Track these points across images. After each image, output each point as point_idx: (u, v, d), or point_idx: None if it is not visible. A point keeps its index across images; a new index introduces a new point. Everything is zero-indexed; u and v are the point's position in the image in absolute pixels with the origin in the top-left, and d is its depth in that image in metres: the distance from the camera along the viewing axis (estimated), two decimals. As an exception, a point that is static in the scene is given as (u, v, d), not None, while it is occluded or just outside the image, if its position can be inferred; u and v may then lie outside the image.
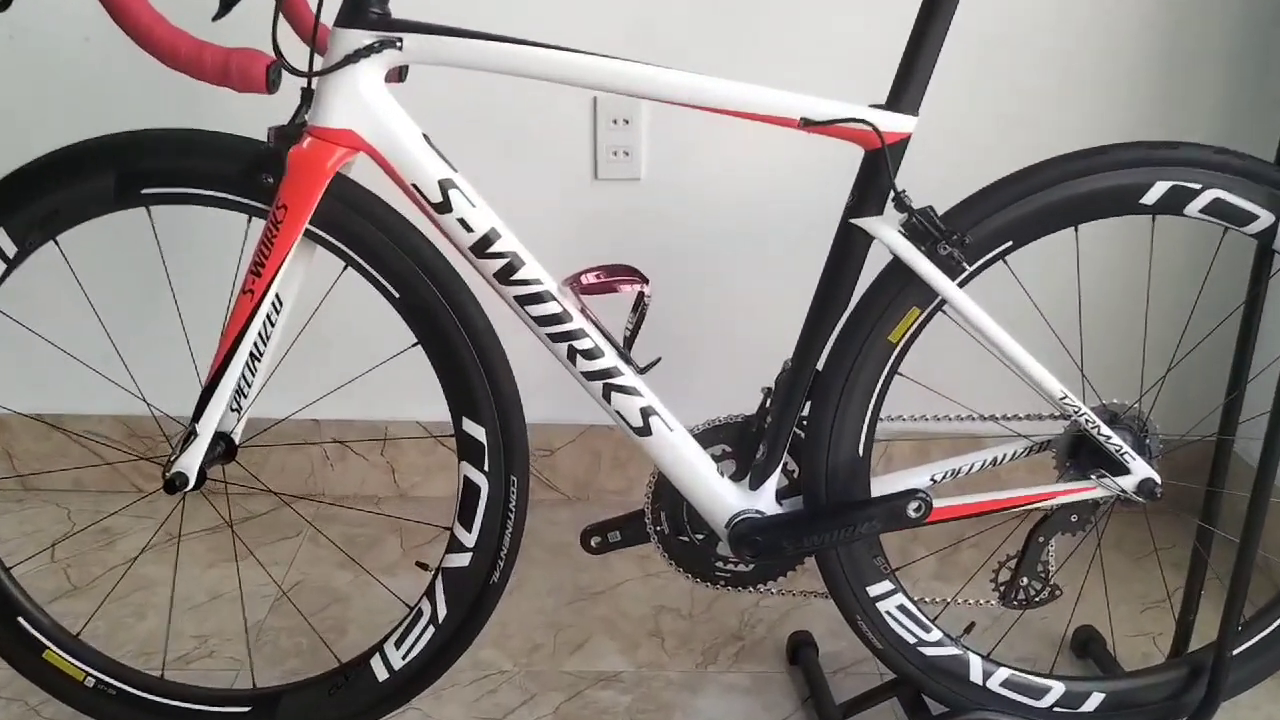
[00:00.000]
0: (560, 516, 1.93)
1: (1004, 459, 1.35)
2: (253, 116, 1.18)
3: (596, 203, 1.81)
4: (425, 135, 1.16)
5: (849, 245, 1.21)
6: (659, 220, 1.81)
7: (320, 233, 1.19)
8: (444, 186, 1.15)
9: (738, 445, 1.32)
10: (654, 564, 1.76)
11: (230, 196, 1.18)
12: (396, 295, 1.20)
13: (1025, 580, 1.36)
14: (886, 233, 1.19)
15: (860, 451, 1.28)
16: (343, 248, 1.19)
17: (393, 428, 1.94)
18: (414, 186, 1.15)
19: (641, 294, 1.20)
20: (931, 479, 1.34)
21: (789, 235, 1.76)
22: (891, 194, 1.18)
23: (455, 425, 1.24)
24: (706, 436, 1.32)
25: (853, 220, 1.20)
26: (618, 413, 1.24)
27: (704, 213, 1.80)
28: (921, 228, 1.18)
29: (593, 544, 1.38)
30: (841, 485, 1.29)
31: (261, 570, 1.75)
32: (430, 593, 1.31)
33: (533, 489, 1.88)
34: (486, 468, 1.25)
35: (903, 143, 1.18)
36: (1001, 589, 1.37)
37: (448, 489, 1.25)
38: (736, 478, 1.32)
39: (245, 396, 1.29)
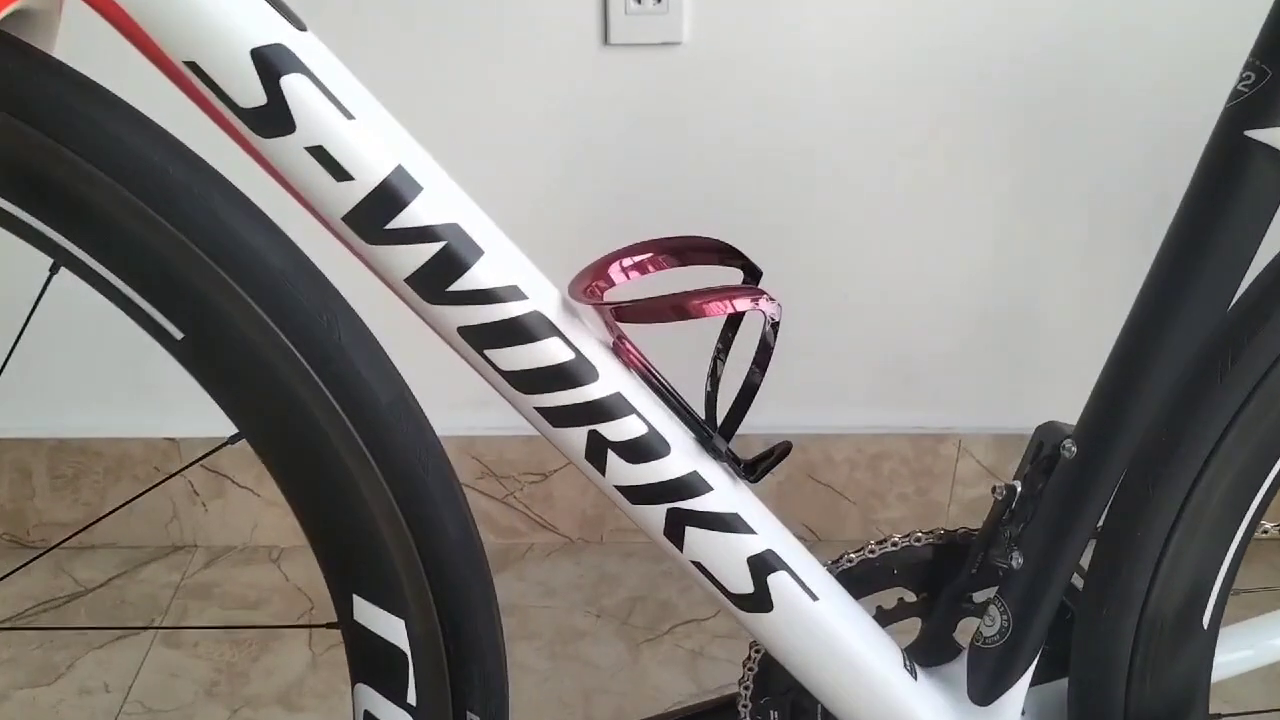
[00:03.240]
0: (560, 576, 1.27)
1: None
2: None
3: (607, 85, 1.13)
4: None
5: (1239, 182, 0.55)
6: (714, 115, 1.12)
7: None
8: (265, 64, 0.45)
9: (930, 598, 0.65)
10: (709, 662, 1.12)
11: None
12: (179, 335, 0.51)
13: None
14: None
15: (1206, 620, 0.61)
16: (33, 223, 0.49)
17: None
18: (191, 67, 0.45)
19: (740, 316, 0.53)
20: (1308, 640, 0.69)
21: (994, 146, 1.10)
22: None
23: (337, 609, 0.56)
24: (861, 577, 0.65)
25: (1250, 133, 0.52)
26: (700, 566, 0.56)
27: (799, 99, 1.12)
28: None
29: (638, 762, 0.73)
30: (1157, 683, 0.62)
31: (82, 694, 1.09)
32: None
33: (522, 530, 1.27)
34: (412, 699, 0.57)
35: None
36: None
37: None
38: (930, 660, 0.65)
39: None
